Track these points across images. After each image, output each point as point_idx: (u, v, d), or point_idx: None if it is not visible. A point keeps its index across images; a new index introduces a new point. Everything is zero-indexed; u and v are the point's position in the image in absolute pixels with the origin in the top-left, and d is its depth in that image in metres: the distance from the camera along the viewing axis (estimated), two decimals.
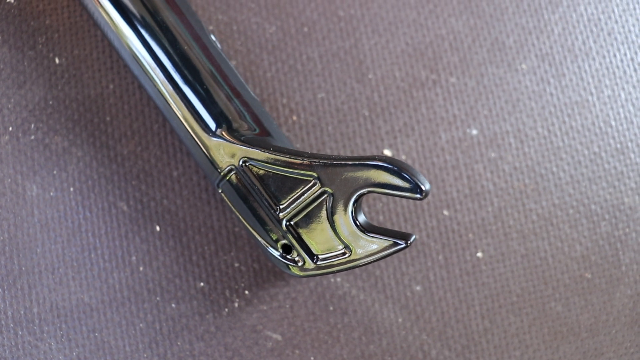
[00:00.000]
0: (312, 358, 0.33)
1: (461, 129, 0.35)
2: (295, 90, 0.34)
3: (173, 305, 0.33)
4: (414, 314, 0.34)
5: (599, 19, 0.36)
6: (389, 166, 0.25)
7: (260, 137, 0.29)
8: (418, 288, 0.34)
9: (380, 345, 0.33)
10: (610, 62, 0.36)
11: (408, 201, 0.34)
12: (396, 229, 0.34)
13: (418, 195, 0.25)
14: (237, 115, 0.29)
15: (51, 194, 0.34)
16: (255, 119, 0.30)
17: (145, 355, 0.33)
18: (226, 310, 0.33)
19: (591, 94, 0.35)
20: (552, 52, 0.36)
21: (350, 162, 0.26)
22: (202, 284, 0.33)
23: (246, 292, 0.33)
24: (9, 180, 0.34)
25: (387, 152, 0.34)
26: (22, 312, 0.33)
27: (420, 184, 0.25)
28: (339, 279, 0.33)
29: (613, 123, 0.35)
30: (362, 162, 0.26)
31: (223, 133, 0.29)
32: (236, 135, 0.29)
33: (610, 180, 0.35)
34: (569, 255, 0.34)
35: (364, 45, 0.35)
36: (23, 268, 0.33)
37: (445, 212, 0.34)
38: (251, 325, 0.33)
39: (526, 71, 0.35)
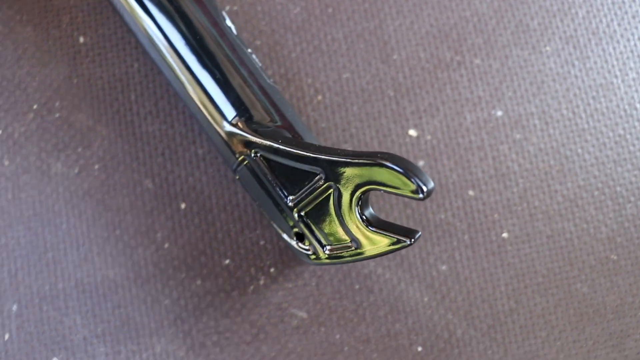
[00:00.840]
0: (337, 336, 0.33)
1: (486, 110, 0.35)
2: (320, 70, 0.34)
3: (198, 282, 0.33)
4: (440, 293, 0.33)
5: (623, 2, 0.36)
6: (391, 165, 0.24)
7: (275, 129, 0.29)
8: (444, 267, 0.34)
9: (406, 324, 0.33)
10: (635, 44, 0.36)
11: (434, 179, 0.34)
12: (421, 208, 0.34)
13: (420, 196, 0.24)
14: (255, 104, 0.29)
15: (76, 171, 0.34)
16: (275, 108, 0.30)
17: (170, 332, 0.33)
18: (251, 287, 0.33)
19: (616, 76, 0.35)
20: (577, 35, 0.36)
21: (352, 160, 0.26)
22: (227, 261, 0.33)
23: (272, 269, 0.33)
24: (34, 157, 0.34)
25: (413, 132, 0.34)
26: (47, 288, 0.33)
27: (421, 184, 0.24)
28: None
29: (638, 105, 0.35)
30: (364, 159, 0.25)
31: (238, 123, 0.29)
32: (251, 125, 0.29)
33: (636, 163, 0.35)
34: (594, 236, 0.34)
35: (388, 26, 0.35)
36: (48, 244, 0.33)
37: (471, 193, 0.34)
38: (277, 302, 0.33)
39: (550, 53, 0.35)
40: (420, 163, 0.34)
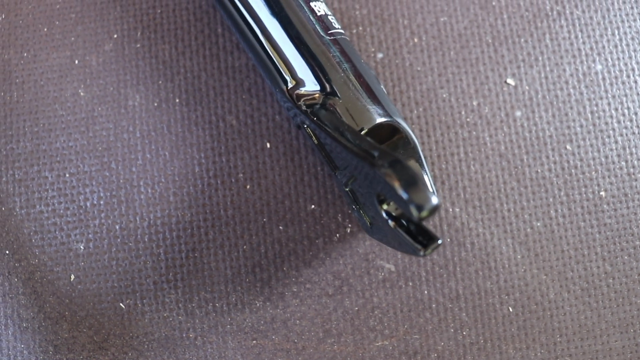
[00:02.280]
0: (425, 292, 0.31)
1: (586, 63, 0.33)
2: (417, 12, 0.33)
3: (280, 227, 0.31)
4: (533, 251, 0.32)
5: None
6: (380, 170, 0.21)
7: (328, 105, 0.27)
8: (538, 224, 0.32)
9: (497, 282, 0.31)
10: None
11: (531, 131, 0.32)
12: (517, 161, 0.32)
13: (414, 215, 0.20)
14: (305, 71, 0.27)
15: (155, 104, 0.32)
16: (333, 68, 0.27)
17: (247, 280, 0.31)
18: (337, 235, 0.31)
19: None
20: None
21: (350, 150, 0.23)
22: (313, 206, 0.31)
23: None
24: (111, 88, 0.32)
25: (511, 81, 0.33)
26: (117, 228, 0.31)
27: (415, 206, 0.20)
28: (457, 209, 0.31)
29: None
30: (360, 153, 0.22)
31: (287, 91, 0.27)
32: (301, 94, 0.27)
33: None
34: None
35: None
36: (121, 181, 0.31)
37: (568, 147, 0.32)
38: (363, 253, 0.31)
39: None
40: (518, 114, 0.32)
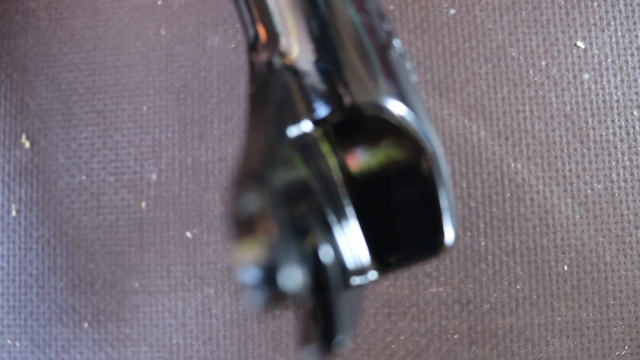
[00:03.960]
0: (483, 243, 0.32)
1: None
2: None
3: None
4: (592, 212, 0.32)
5: None
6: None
7: None
8: (599, 187, 0.32)
9: (554, 240, 0.32)
10: None
11: (598, 94, 0.32)
12: (582, 122, 0.32)
13: None
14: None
15: (232, 46, 0.33)
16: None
17: None
18: None
19: None
20: None
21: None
22: None
23: None
24: (191, 29, 0.34)
25: (580, 44, 0.33)
26: (189, 160, 0.33)
27: None
28: (519, 166, 0.32)
29: None
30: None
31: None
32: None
33: None
34: None
35: None
36: (196, 116, 0.33)
37: (635, 113, 0.32)
38: None
39: None
40: (585, 76, 0.33)
